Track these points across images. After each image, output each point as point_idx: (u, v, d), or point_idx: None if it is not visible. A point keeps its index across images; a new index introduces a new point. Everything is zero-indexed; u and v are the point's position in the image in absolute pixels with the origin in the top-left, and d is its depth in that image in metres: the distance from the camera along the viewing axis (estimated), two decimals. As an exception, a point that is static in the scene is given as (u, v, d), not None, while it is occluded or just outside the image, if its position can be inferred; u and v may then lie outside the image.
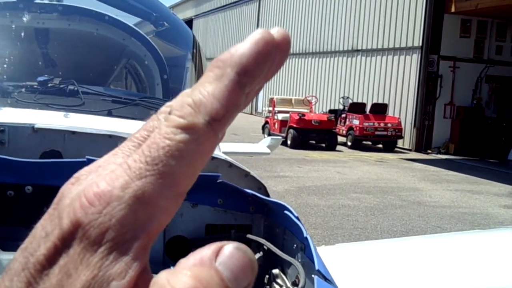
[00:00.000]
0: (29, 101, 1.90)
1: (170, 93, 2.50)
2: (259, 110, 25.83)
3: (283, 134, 15.51)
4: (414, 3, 17.20)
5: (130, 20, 2.77)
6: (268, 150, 5.05)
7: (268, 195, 1.51)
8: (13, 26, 2.55)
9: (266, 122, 17.87)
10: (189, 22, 40.25)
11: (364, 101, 18.38)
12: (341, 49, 21.62)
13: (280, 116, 16.72)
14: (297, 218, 1.22)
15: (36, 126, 1.57)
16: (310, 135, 15.80)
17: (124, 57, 2.89)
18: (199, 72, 2.61)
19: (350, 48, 20.96)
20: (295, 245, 1.24)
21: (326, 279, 1.03)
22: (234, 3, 32.19)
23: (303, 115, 15.96)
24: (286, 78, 25.85)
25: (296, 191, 9.13)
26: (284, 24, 25.99)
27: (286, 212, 1.25)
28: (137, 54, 2.77)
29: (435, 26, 16.50)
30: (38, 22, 2.61)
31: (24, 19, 2.59)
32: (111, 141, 1.50)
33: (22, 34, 2.57)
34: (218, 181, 1.32)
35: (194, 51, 2.72)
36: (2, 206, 1.33)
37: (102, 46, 2.84)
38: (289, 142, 15.68)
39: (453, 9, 16.05)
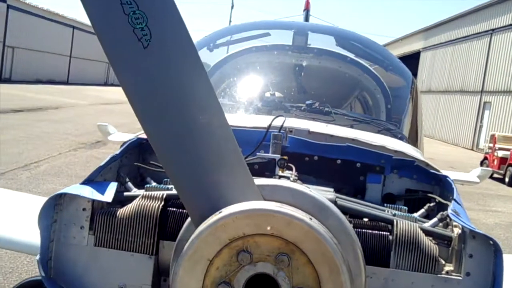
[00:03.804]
0: (302, 115, 2.85)
1: (391, 118, 3.26)
2: (481, 146, 25.29)
3: (502, 172, 15.89)
4: None
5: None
6: (477, 180, 5.35)
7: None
8: (282, 62, 3.64)
9: (485, 158, 18.20)
10: (417, 54, 39.85)
11: None
12: None
13: (500, 153, 16.89)
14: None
15: (310, 129, 2.46)
16: (530, 174, 15.59)
17: (358, 89, 3.72)
18: (414, 105, 3.32)
19: None
20: None
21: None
22: (464, 38, 31.59)
23: (524, 153, 15.90)
24: (512, 116, 25.20)
25: (507, 225, 9.58)
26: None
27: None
28: (369, 87, 3.56)
29: None
30: (298, 60, 3.63)
31: (290, 57, 3.64)
32: (354, 143, 2.41)
33: (290, 68, 3.62)
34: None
35: (412, 87, 3.40)
36: (300, 164, 2.23)
37: (343, 79, 3.72)
38: (507, 179, 15.88)
39: None
